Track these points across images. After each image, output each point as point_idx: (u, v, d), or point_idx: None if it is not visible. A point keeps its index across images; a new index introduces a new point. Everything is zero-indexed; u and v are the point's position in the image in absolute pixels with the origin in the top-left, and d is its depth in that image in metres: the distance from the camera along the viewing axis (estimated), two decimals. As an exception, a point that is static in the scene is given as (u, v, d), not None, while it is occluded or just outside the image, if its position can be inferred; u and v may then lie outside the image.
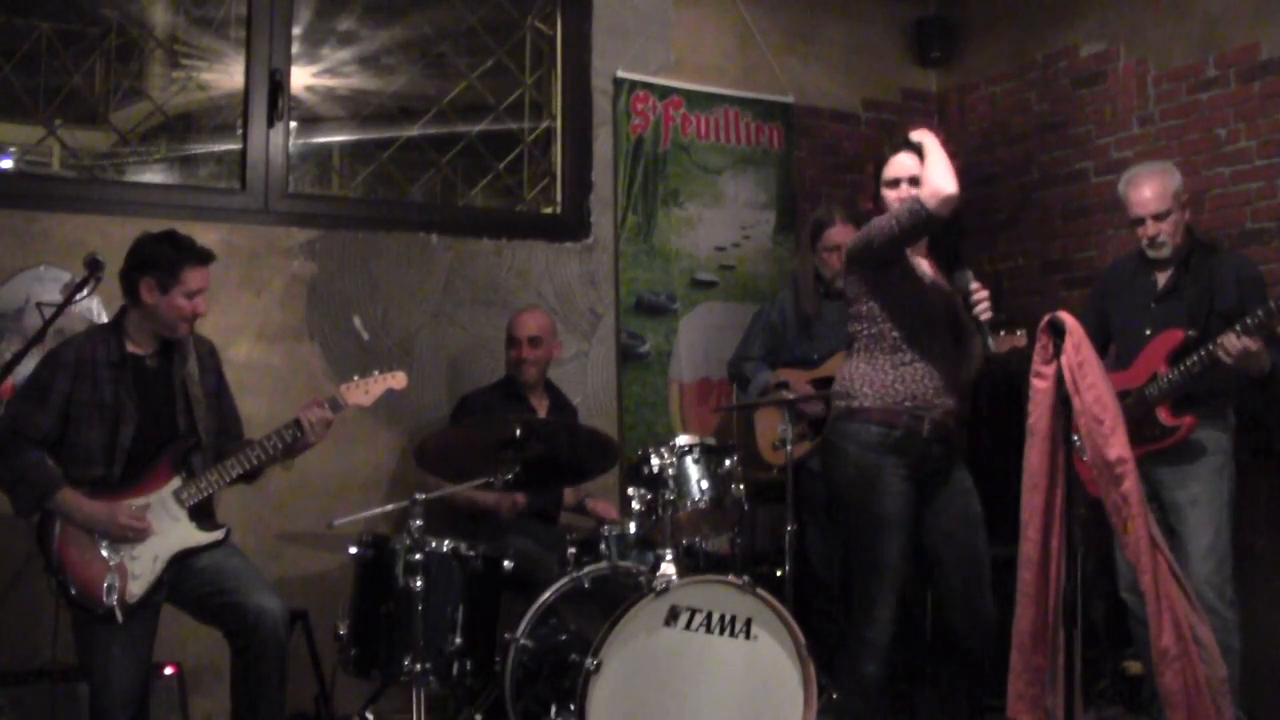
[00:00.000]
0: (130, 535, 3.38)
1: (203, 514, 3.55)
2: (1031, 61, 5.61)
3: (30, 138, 5.00)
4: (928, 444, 3.42)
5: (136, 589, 3.38)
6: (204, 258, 3.55)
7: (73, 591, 3.34)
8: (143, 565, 3.40)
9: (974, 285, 3.39)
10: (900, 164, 3.46)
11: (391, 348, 4.77)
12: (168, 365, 3.58)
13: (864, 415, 3.43)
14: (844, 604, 4.73)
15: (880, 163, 3.52)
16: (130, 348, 3.52)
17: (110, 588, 3.33)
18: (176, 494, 3.48)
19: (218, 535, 3.54)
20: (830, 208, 4.83)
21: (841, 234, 4.60)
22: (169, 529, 3.45)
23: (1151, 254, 4.00)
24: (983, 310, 3.35)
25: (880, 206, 3.49)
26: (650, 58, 5.39)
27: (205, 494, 3.52)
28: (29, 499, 3.36)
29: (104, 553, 3.37)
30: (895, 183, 3.46)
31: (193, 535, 3.49)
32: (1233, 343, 3.64)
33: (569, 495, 4.63)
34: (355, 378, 3.72)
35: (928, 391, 3.41)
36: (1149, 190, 3.95)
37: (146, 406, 3.50)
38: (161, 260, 3.47)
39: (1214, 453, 3.90)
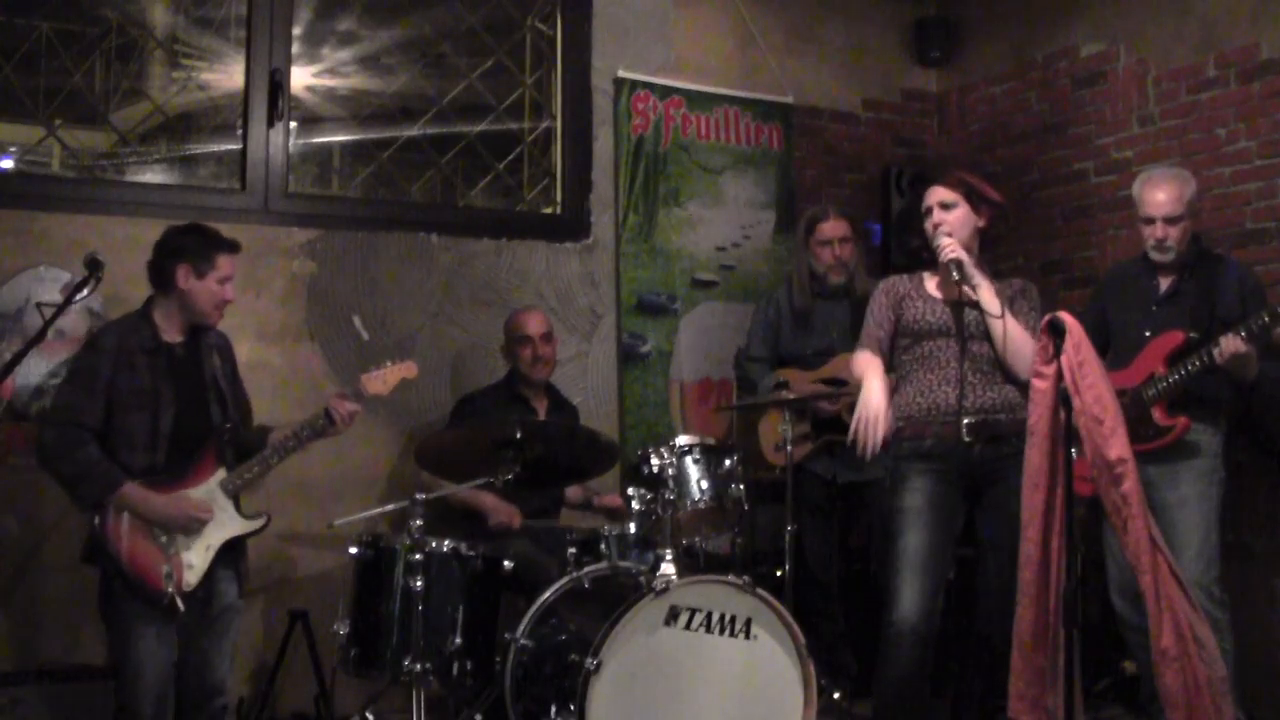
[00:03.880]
0: (195, 527, 3.47)
1: (243, 503, 3.66)
2: (1031, 61, 5.61)
3: (30, 138, 5.00)
4: (969, 446, 3.44)
5: (191, 578, 3.46)
6: (234, 246, 3.66)
7: (135, 583, 3.39)
8: (196, 555, 3.48)
9: (943, 237, 3.51)
10: (936, 192, 3.59)
11: (391, 348, 4.76)
12: (196, 354, 3.65)
13: (898, 434, 3.56)
14: (843, 603, 4.74)
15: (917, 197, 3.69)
16: (162, 335, 3.59)
17: (168, 578, 3.40)
18: (223, 484, 3.56)
19: (260, 523, 3.63)
20: (825, 204, 4.88)
21: (833, 229, 4.67)
22: (220, 519, 3.54)
23: (1156, 256, 4.00)
24: (944, 254, 3.46)
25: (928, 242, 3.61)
26: (650, 58, 5.39)
27: (249, 483, 3.62)
28: (92, 494, 3.41)
29: (161, 544, 3.43)
30: (929, 210, 3.59)
31: (240, 524, 3.59)
32: (1229, 344, 3.66)
33: (576, 494, 4.62)
34: (373, 369, 3.81)
35: (950, 398, 3.47)
36: (1165, 193, 3.95)
37: (181, 393, 3.56)
38: (196, 247, 3.58)
39: (1205, 454, 3.90)
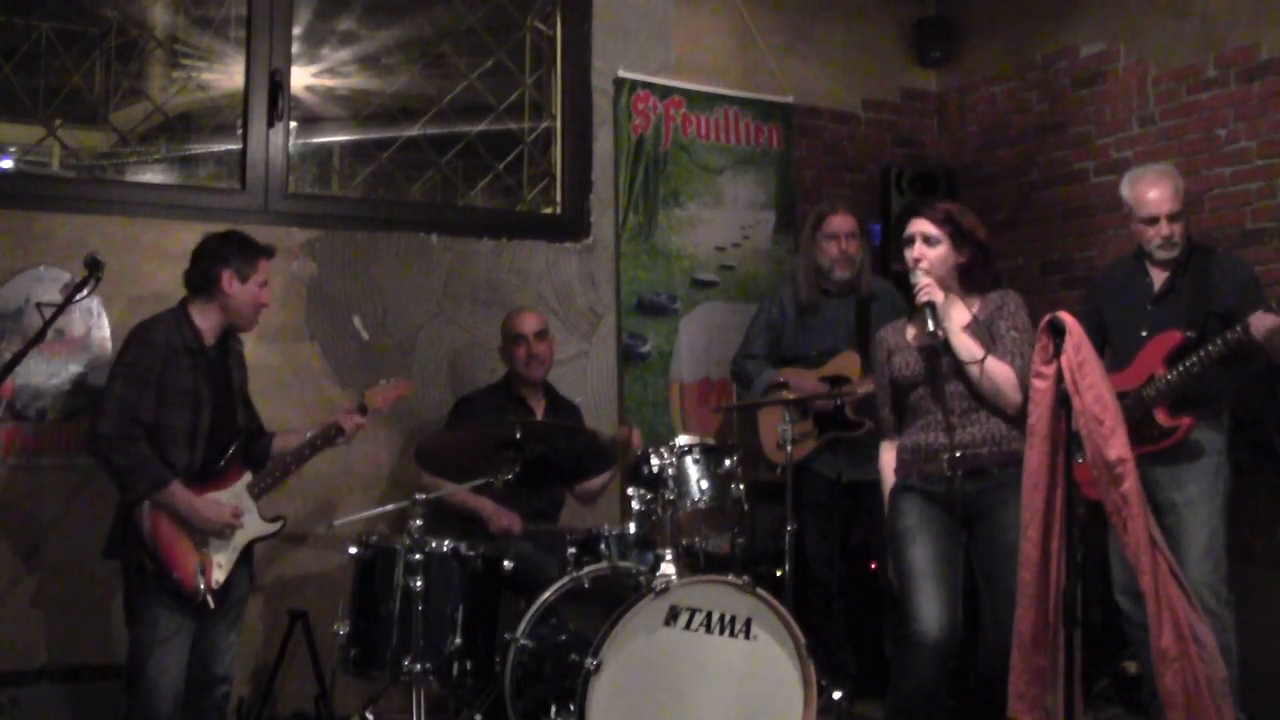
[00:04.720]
0: (227, 531, 3.58)
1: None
2: (1031, 61, 5.61)
3: (30, 138, 5.00)
4: (950, 480, 3.41)
5: (220, 576, 3.57)
6: (271, 251, 3.81)
7: (169, 578, 3.47)
8: (225, 555, 3.60)
9: (919, 274, 3.45)
10: (919, 223, 3.53)
11: (391, 348, 4.78)
12: (223, 359, 3.75)
13: (898, 474, 3.56)
14: (843, 603, 4.74)
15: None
16: (201, 338, 3.69)
17: (200, 574, 3.50)
18: (249, 487, 3.67)
19: (278, 526, 3.75)
20: (834, 200, 4.89)
21: (842, 222, 4.69)
22: (246, 521, 3.66)
23: (1162, 255, 3.99)
24: (920, 296, 3.42)
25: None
26: (650, 58, 5.39)
27: (270, 487, 3.73)
28: (142, 488, 3.49)
29: (195, 541, 3.53)
30: (911, 240, 3.52)
31: (262, 526, 3.72)
32: (1262, 320, 3.61)
33: (594, 485, 4.57)
34: (380, 382, 4.00)
35: (934, 440, 3.44)
36: (1162, 190, 3.95)
37: (216, 395, 3.66)
38: (240, 253, 3.69)
39: (1210, 454, 3.90)
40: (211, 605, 3.51)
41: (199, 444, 3.60)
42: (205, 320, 3.68)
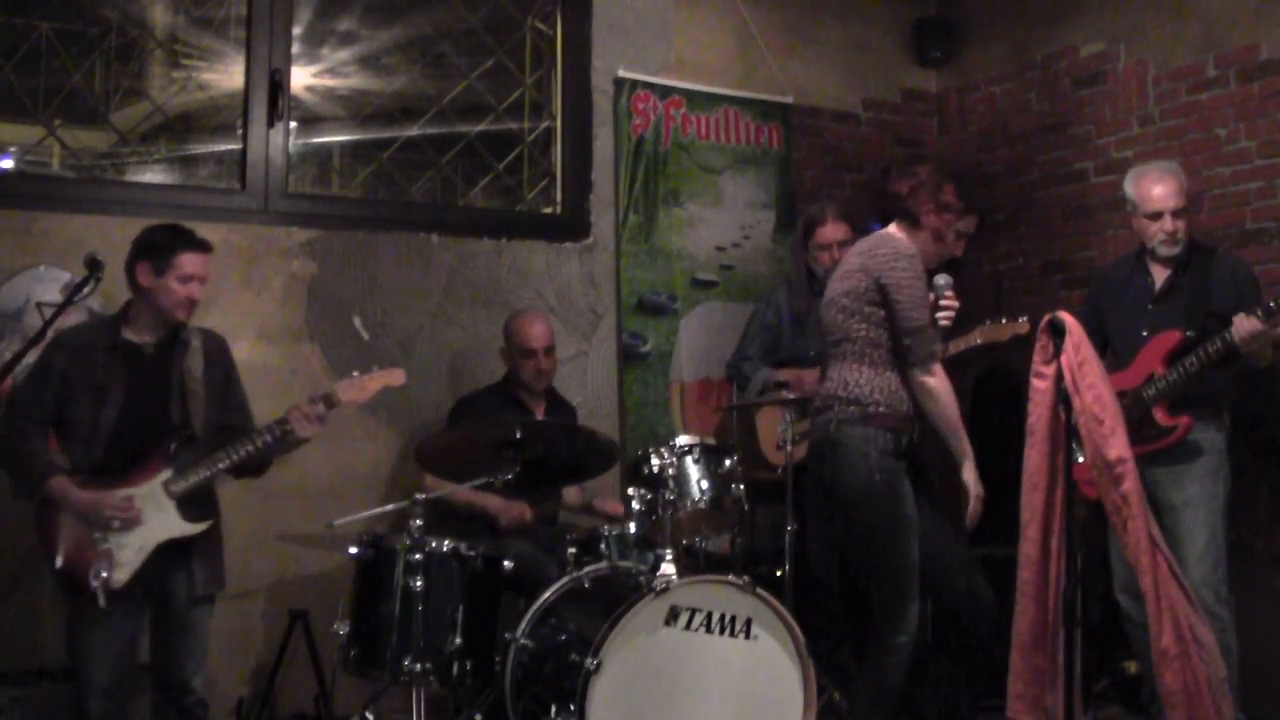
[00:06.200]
0: (114, 524, 3.43)
1: (193, 505, 3.55)
2: (1031, 61, 5.61)
3: (30, 138, 5.01)
4: (915, 448, 3.51)
5: (121, 576, 3.43)
6: (199, 245, 3.61)
7: (59, 567, 3.42)
8: (129, 554, 3.45)
9: (948, 294, 3.52)
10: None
11: (391, 348, 4.77)
12: (167, 356, 3.63)
13: (879, 421, 3.47)
14: (844, 604, 4.73)
15: (940, 182, 3.59)
16: (128, 335, 3.59)
17: (96, 572, 3.39)
18: (165, 485, 3.51)
19: (200, 527, 3.55)
20: (823, 206, 4.85)
21: (833, 232, 4.63)
22: (156, 520, 3.48)
23: (1166, 251, 4.00)
24: (943, 318, 3.52)
25: (941, 218, 3.58)
26: (650, 58, 5.39)
27: (193, 485, 3.53)
28: (25, 483, 3.50)
29: (94, 540, 3.43)
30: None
31: (179, 526, 3.51)
32: (1243, 323, 3.64)
33: (575, 495, 4.62)
34: (354, 374, 3.76)
35: (911, 401, 3.51)
36: (1166, 186, 3.96)
37: (134, 392, 3.55)
38: (157, 245, 3.57)
39: (1209, 453, 3.90)
40: (102, 602, 3.37)
41: (99, 440, 3.49)
42: (137, 316, 3.60)
